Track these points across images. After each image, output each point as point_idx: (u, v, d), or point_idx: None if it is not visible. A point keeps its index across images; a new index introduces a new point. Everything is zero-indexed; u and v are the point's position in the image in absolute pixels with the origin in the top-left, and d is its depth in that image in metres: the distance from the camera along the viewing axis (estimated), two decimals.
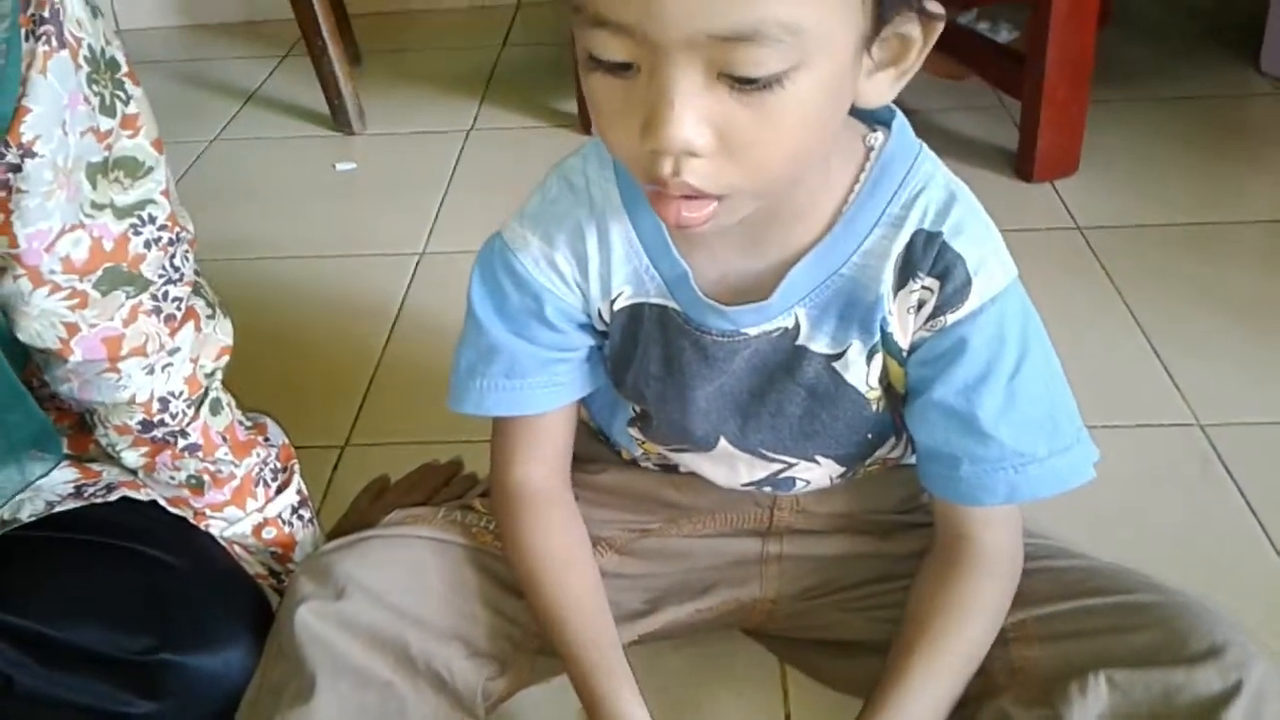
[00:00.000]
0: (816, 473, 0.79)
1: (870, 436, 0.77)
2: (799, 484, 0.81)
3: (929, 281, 0.68)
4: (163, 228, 0.78)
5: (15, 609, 0.76)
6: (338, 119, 1.90)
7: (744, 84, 0.54)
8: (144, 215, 0.77)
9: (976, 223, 0.69)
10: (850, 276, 0.69)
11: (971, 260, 0.67)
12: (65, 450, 0.86)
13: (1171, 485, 1.06)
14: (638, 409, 0.80)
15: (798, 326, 0.71)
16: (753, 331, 0.71)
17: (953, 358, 0.69)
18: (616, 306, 0.74)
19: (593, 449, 0.89)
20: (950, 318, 0.68)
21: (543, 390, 0.77)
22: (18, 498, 0.82)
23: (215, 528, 0.88)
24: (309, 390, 1.28)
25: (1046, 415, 0.71)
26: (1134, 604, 0.72)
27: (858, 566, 0.83)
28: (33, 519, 0.81)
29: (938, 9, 0.59)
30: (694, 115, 0.55)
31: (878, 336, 0.71)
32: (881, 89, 0.61)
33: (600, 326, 0.76)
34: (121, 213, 0.75)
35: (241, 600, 0.82)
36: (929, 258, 0.68)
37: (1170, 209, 1.51)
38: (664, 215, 0.61)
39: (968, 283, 0.67)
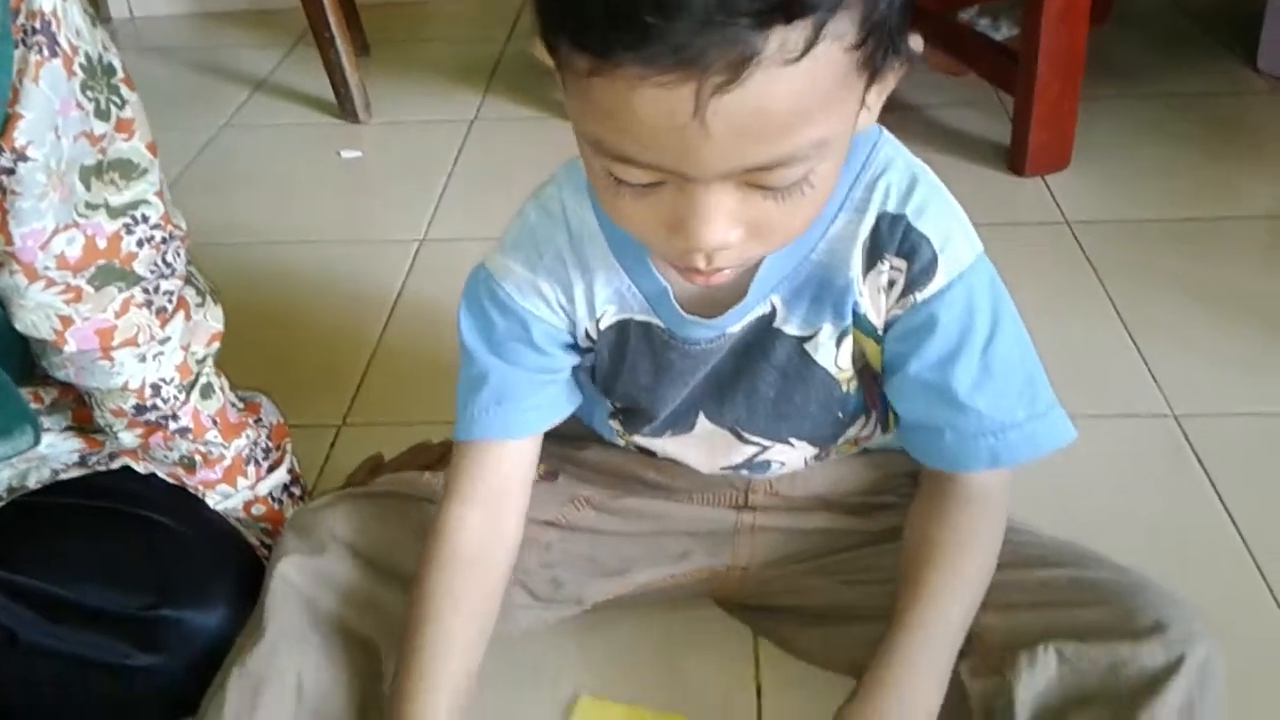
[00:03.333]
0: (791, 455, 0.82)
1: (841, 416, 0.80)
2: (775, 466, 0.84)
3: (896, 262, 0.71)
4: (155, 226, 0.82)
5: (21, 569, 0.80)
6: (344, 107, 1.93)
7: (773, 189, 0.57)
8: (137, 215, 0.80)
9: (939, 203, 0.71)
10: (820, 262, 0.72)
11: (936, 239, 0.70)
12: (69, 422, 0.91)
13: (1144, 473, 1.09)
14: (619, 404, 0.83)
15: (773, 311, 0.74)
16: (735, 329, 0.74)
17: (925, 334, 0.72)
18: (603, 325, 0.77)
19: (577, 429, 0.92)
20: (919, 296, 0.71)
21: (532, 413, 0.79)
22: (24, 467, 0.86)
23: (210, 501, 0.92)
24: (308, 371, 1.31)
25: (1023, 382, 0.73)
26: (1087, 580, 0.75)
27: (833, 539, 0.86)
28: (39, 485, 0.85)
29: (917, 46, 0.61)
30: (725, 221, 0.57)
31: (849, 320, 0.73)
32: (873, 113, 0.64)
33: (585, 344, 0.79)
34: (115, 212, 0.79)
35: (235, 561, 0.86)
36: (894, 239, 0.70)
37: (1159, 205, 1.53)
38: (687, 280, 0.65)
39: (934, 261, 0.70)
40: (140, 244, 0.81)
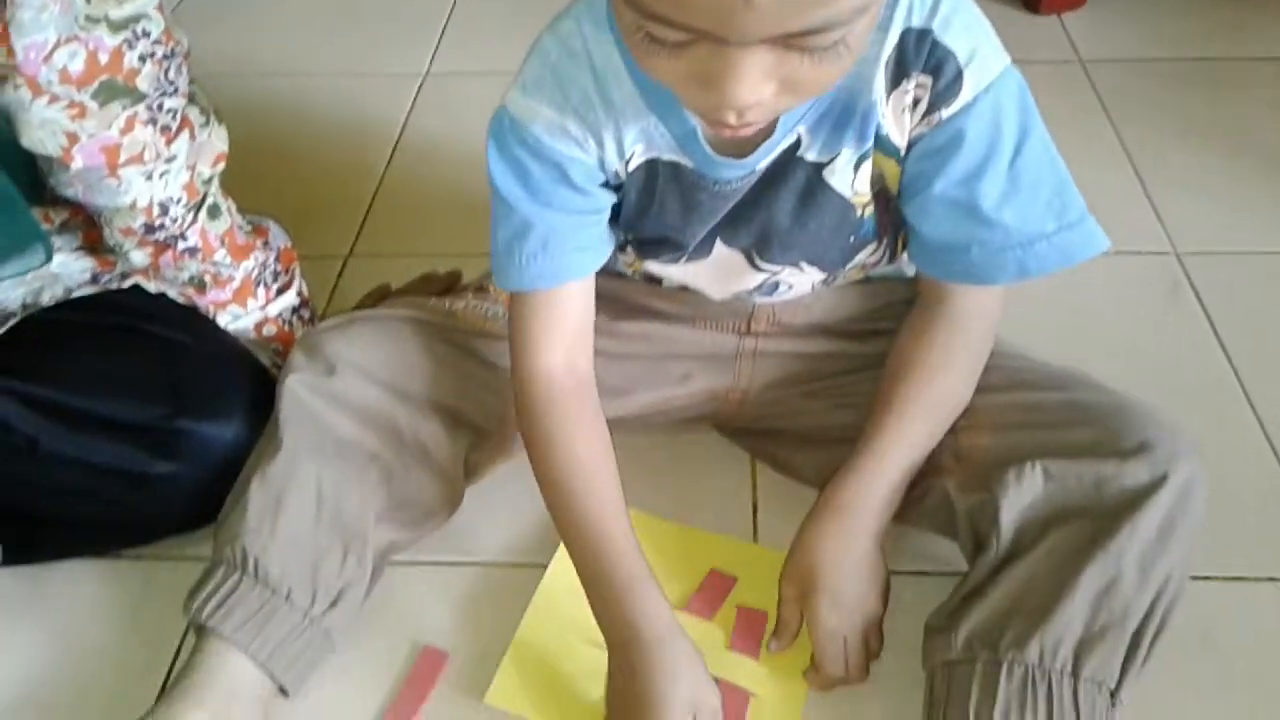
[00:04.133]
0: (800, 279, 0.83)
1: (853, 240, 0.80)
2: (783, 289, 0.84)
3: (922, 79, 0.69)
4: (156, 42, 0.81)
5: (38, 381, 0.82)
6: None
7: (809, 50, 0.55)
8: (138, 30, 0.80)
9: (965, 13, 0.69)
10: (843, 85, 0.70)
11: (962, 53, 0.68)
12: (80, 243, 0.91)
13: (1143, 309, 1.10)
14: (631, 235, 0.83)
15: (799, 141, 0.73)
16: (763, 165, 0.74)
17: (950, 151, 0.71)
18: (631, 166, 0.75)
19: None
20: (945, 112, 0.70)
21: (579, 255, 0.77)
22: (38, 285, 0.87)
23: (221, 321, 0.93)
24: (315, 203, 1.31)
25: (1052, 193, 0.72)
26: (1077, 401, 0.77)
27: (829, 363, 0.88)
28: (53, 303, 0.86)
29: None
30: (759, 78, 0.56)
31: (870, 143, 0.73)
32: None
33: (616, 183, 0.77)
34: (116, 27, 0.78)
35: (248, 377, 0.88)
36: (921, 56, 0.68)
37: (1173, 45, 1.51)
38: (715, 132, 0.64)
39: (959, 76, 0.69)
40: (142, 59, 0.81)
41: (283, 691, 0.77)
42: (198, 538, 0.86)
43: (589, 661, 0.78)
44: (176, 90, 0.85)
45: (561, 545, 0.86)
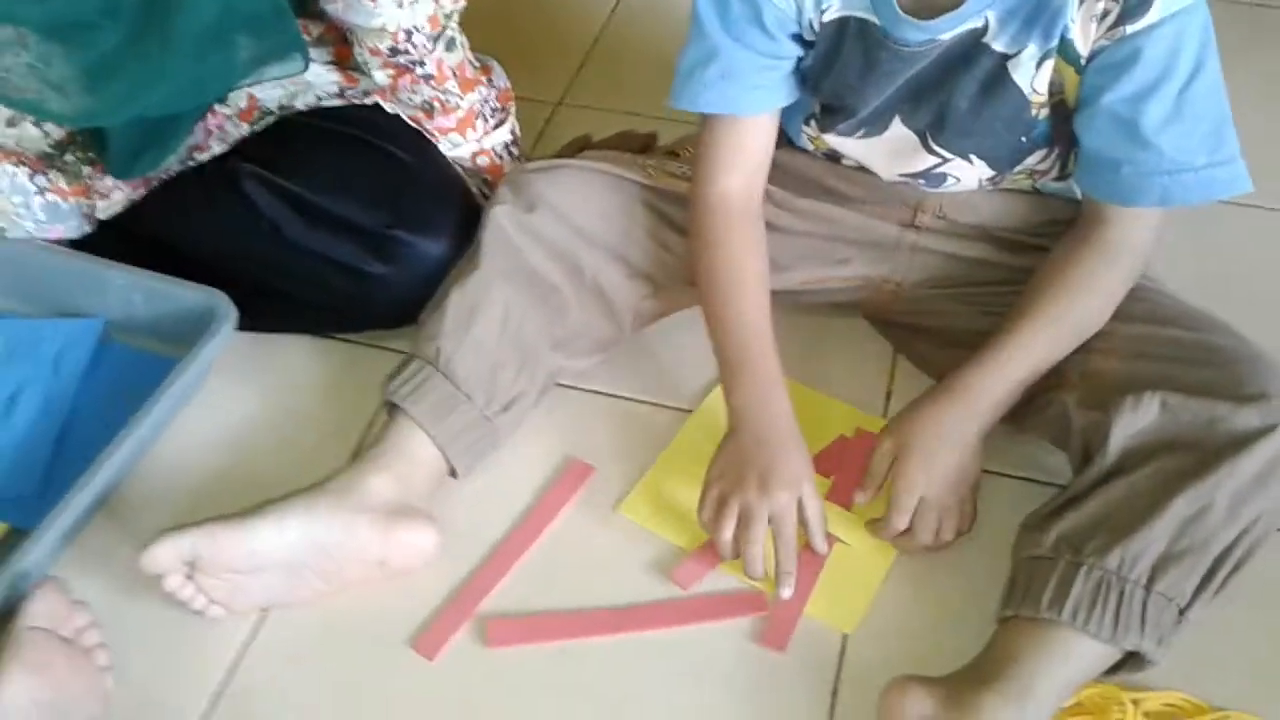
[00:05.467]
0: (968, 172, 0.89)
1: (1024, 141, 0.85)
2: (950, 181, 0.90)
3: None
4: None
5: (285, 175, 0.95)
6: None
7: None
8: None
9: None
10: None
11: None
12: (331, 58, 1.03)
13: None
14: (818, 107, 0.89)
15: (986, 26, 0.79)
16: (946, 37, 0.79)
17: (1125, 67, 0.76)
18: (826, 18, 0.83)
19: None
20: (1129, 28, 0.75)
21: (753, 93, 0.87)
22: (293, 89, 0.99)
23: (442, 147, 1.04)
24: (535, 48, 1.40)
25: (1210, 130, 0.78)
26: (1210, 343, 0.81)
27: (984, 270, 0.93)
28: (305, 109, 0.99)
29: None
30: None
31: (1055, 43, 0.78)
32: None
33: (809, 36, 0.85)
34: None
35: (459, 201, 0.99)
36: None
37: None
38: None
39: None
40: None
41: (453, 473, 0.89)
42: (398, 334, 0.99)
43: None
44: None
45: (715, 390, 0.94)
